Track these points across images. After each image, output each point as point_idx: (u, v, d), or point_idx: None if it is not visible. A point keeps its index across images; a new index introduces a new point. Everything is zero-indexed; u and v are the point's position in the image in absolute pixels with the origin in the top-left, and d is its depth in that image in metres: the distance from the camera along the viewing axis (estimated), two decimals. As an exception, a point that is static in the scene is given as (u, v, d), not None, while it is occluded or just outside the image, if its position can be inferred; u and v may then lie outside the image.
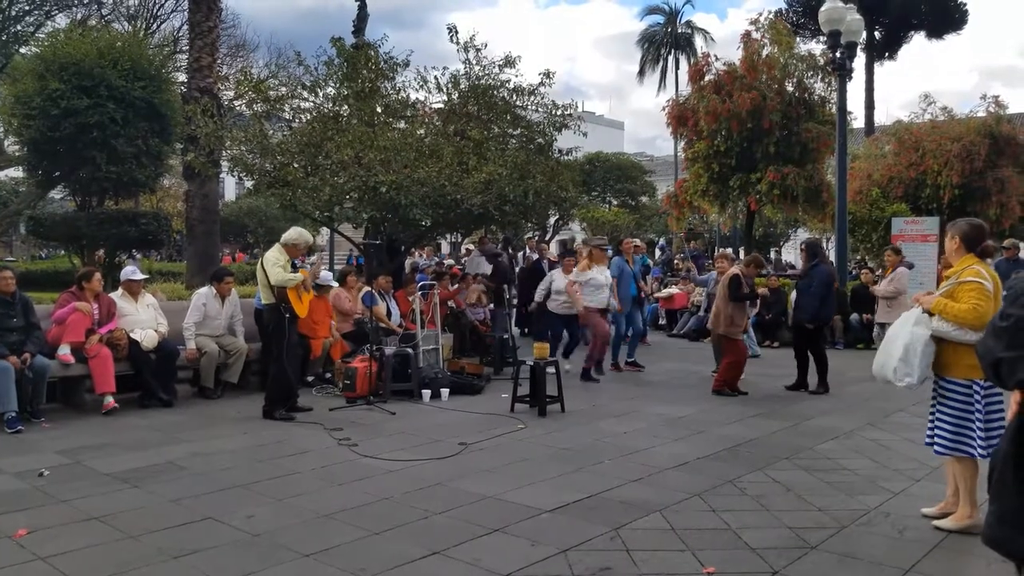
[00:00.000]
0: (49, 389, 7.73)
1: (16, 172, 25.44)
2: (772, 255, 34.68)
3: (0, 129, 19.21)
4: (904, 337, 4.54)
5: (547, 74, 12.80)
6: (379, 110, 12.62)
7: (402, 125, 12.86)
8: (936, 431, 4.61)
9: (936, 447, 4.61)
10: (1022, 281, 3.08)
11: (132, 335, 8.16)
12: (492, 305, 13.43)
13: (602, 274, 10.02)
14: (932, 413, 4.69)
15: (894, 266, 11.50)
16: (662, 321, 16.54)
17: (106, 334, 7.99)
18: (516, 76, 12.85)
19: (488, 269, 14.61)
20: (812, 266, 9.29)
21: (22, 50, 21.96)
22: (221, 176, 16.62)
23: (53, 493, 5.18)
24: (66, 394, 8.11)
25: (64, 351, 7.69)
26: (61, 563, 4.00)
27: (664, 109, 18.29)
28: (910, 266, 11.92)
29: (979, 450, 4.38)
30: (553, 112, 13.02)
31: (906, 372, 4.50)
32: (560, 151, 13.33)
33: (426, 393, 8.67)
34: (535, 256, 15.44)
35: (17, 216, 22.65)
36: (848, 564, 4.03)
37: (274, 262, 7.66)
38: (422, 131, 12.72)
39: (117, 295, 8.54)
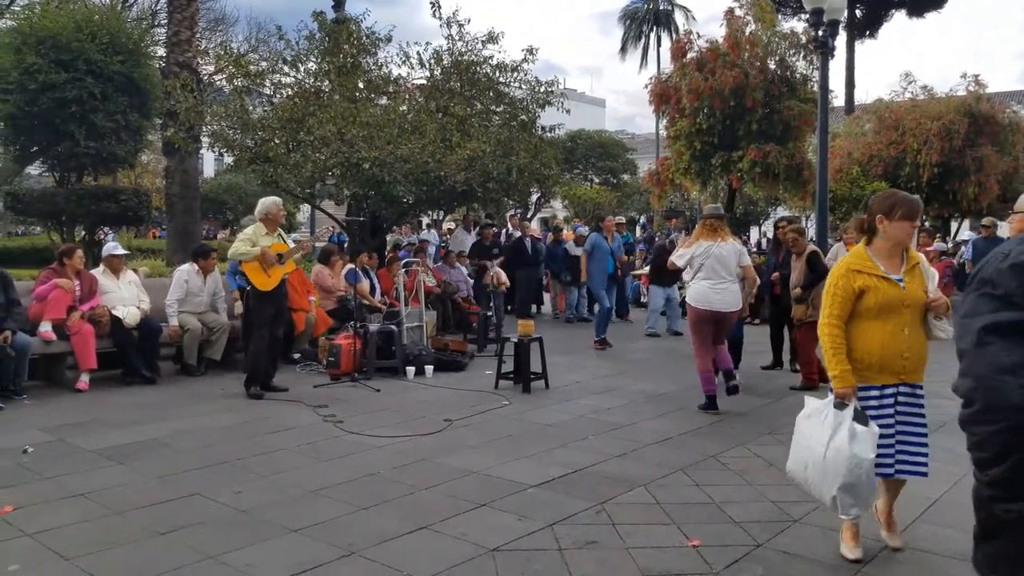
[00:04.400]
0: (31, 366, 7.67)
1: (-8, 147, 24.98)
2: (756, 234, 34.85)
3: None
4: None
5: (530, 50, 12.77)
6: (361, 86, 12.54)
7: (384, 101, 12.78)
8: (918, 451, 3.85)
9: (923, 469, 3.87)
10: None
11: (114, 312, 8.12)
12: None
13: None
14: (893, 432, 3.81)
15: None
16: (644, 299, 16.62)
17: (88, 311, 7.95)
18: (499, 52, 12.82)
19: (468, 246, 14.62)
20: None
21: (-4, 23, 21.52)
22: (200, 152, 16.43)
23: (37, 470, 5.17)
24: (48, 371, 8.06)
25: (45, 328, 7.64)
26: (48, 539, 4.00)
27: (647, 87, 18.28)
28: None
29: None
30: (536, 89, 12.99)
31: None
32: (543, 128, 13.30)
33: (410, 370, 8.70)
34: (517, 234, 15.45)
35: (-6, 192, 22.30)
36: (831, 536, 4.09)
37: (241, 237, 7.65)
38: (404, 107, 12.66)
39: (99, 272, 8.48)
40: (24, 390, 7.41)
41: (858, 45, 35.33)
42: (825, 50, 13.73)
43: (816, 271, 8.06)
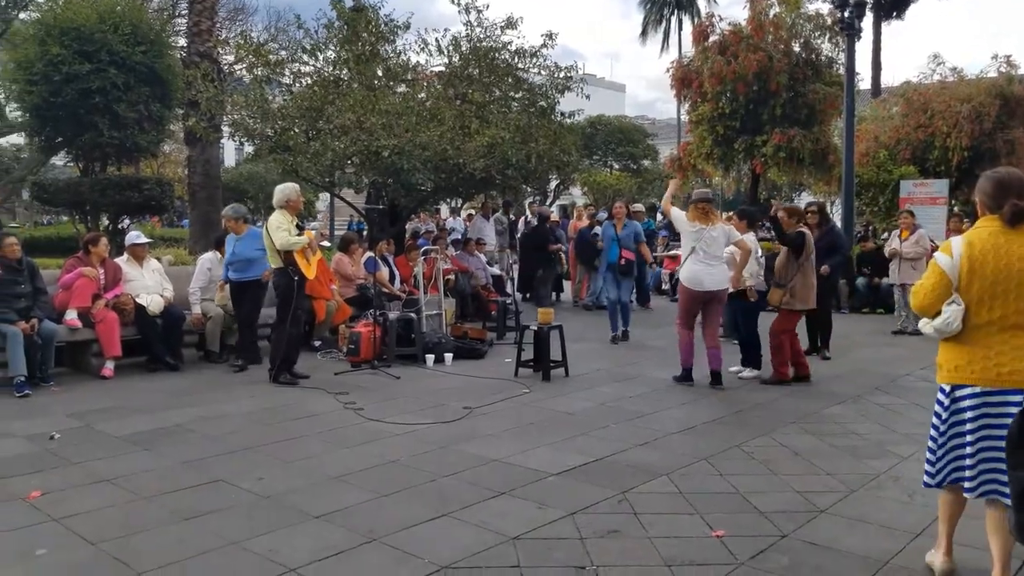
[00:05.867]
0: (57, 353, 7.76)
1: (18, 138, 25.29)
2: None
3: (1, 95, 19.10)
4: None
5: (549, 36, 12.66)
6: (380, 73, 12.51)
7: (403, 89, 12.75)
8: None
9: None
10: None
11: (138, 300, 8.18)
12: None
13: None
14: (973, 446, 3.26)
15: (911, 228, 11.38)
16: (665, 286, 16.53)
17: (112, 299, 8.02)
18: (518, 38, 12.74)
19: (492, 234, 14.63)
20: (830, 227, 9.40)
21: (21, 15, 21.75)
22: (221, 142, 16.52)
23: (64, 455, 5.23)
24: (74, 358, 8.16)
25: (71, 316, 7.73)
26: (75, 524, 4.04)
27: (668, 71, 18.10)
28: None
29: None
30: (555, 74, 12.89)
31: None
32: (562, 114, 13.21)
33: (430, 358, 8.70)
34: (536, 221, 15.40)
35: (20, 182, 22.61)
36: (858, 527, 4.05)
37: (277, 226, 7.60)
38: (423, 95, 12.62)
39: (123, 260, 8.55)
40: (51, 377, 7.51)
41: (884, 26, 34.61)
42: (851, 32, 13.57)
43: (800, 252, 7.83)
